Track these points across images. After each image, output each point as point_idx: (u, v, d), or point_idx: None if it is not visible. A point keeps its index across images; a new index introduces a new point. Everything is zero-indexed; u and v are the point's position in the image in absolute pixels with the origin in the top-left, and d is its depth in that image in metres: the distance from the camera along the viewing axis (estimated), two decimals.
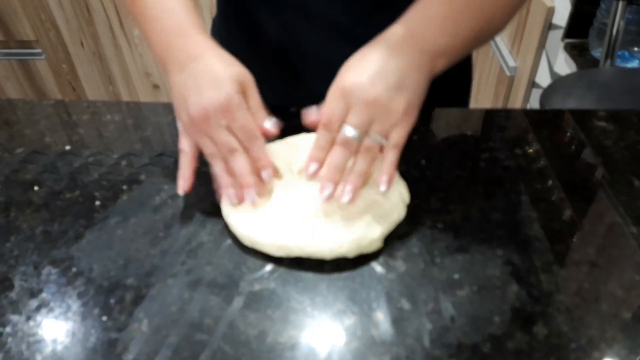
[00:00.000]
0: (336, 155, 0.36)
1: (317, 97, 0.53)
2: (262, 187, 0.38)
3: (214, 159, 0.38)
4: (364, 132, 0.36)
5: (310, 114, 0.38)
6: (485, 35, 0.43)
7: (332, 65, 0.55)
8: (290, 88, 0.49)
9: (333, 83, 0.37)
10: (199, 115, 0.37)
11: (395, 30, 0.39)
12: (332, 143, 0.36)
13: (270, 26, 0.53)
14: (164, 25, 0.41)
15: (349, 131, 0.35)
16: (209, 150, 0.38)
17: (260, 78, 0.57)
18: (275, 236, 0.35)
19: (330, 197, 0.36)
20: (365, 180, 0.37)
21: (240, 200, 0.38)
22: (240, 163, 0.37)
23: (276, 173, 0.40)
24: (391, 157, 0.36)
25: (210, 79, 0.37)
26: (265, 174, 0.38)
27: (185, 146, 0.40)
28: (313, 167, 0.36)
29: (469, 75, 0.62)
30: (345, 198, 0.35)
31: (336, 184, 0.36)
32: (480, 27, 0.41)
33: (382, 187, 0.36)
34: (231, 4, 0.56)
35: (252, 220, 0.37)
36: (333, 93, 0.37)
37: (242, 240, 0.37)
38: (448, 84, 0.56)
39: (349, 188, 0.36)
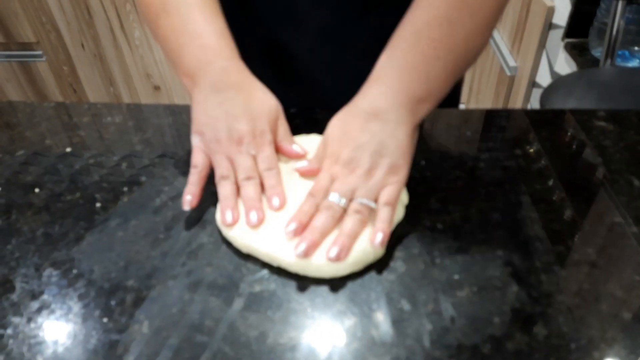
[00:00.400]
0: (319, 217, 0.36)
1: (307, 98, 0.53)
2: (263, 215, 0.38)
3: (225, 180, 0.39)
4: (349, 198, 0.36)
5: (303, 166, 0.40)
6: (465, 65, 0.43)
7: (321, 67, 0.55)
8: (280, 89, 0.50)
9: (320, 152, 0.39)
10: (229, 138, 0.39)
11: (371, 90, 0.40)
12: (317, 208, 0.36)
13: (259, 29, 0.53)
14: (203, 42, 0.42)
15: (334, 197, 0.36)
16: (224, 171, 0.39)
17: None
18: (272, 255, 0.35)
19: (306, 254, 0.34)
20: (352, 242, 0.35)
21: (235, 222, 0.37)
22: (254, 189, 0.38)
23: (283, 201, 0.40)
24: (384, 214, 0.35)
25: (247, 110, 0.40)
26: (276, 201, 0.38)
27: (199, 163, 0.40)
28: (293, 226, 0.35)
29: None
30: (332, 254, 0.34)
31: (314, 244, 0.34)
32: (455, 61, 0.41)
33: (377, 243, 0.34)
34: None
35: (250, 234, 0.36)
36: (322, 166, 0.38)
37: (240, 249, 0.37)
38: None
39: (335, 247, 0.34)
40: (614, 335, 0.31)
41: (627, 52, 1.06)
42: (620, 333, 0.31)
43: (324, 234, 0.35)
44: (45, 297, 0.34)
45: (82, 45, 1.56)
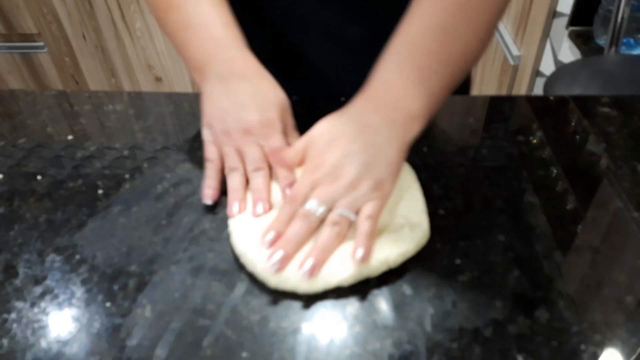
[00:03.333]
0: (293, 226, 0.33)
1: (309, 95, 0.53)
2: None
3: (233, 172, 0.39)
4: (328, 207, 0.34)
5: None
6: (463, 74, 0.41)
7: (323, 64, 0.54)
8: (286, 87, 0.49)
9: (299, 151, 0.37)
10: (238, 129, 0.39)
11: (364, 103, 0.38)
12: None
13: (265, 28, 0.53)
14: (209, 34, 0.42)
15: (311, 204, 0.34)
16: (232, 163, 0.39)
17: None
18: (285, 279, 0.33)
19: (279, 267, 0.32)
20: (327, 256, 0.33)
21: (240, 212, 0.37)
22: (263, 180, 0.38)
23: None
24: (365, 227, 0.33)
25: (255, 99, 0.39)
26: (288, 191, 0.37)
27: (213, 156, 0.40)
28: (270, 235, 0.34)
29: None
30: (305, 268, 0.32)
31: (287, 257, 0.32)
32: (452, 74, 0.39)
33: (357, 259, 0.32)
34: None
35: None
36: (303, 169, 0.36)
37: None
38: None
39: (308, 262, 0.32)
40: (615, 319, 0.31)
41: (632, 40, 1.05)
42: (622, 317, 0.31)
43: (298, 245, 0.33)
44: (48, 282, 0.34)
45: (84, 37, 1.56)
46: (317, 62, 0.55)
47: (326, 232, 0.33)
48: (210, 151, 0.40)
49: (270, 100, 0.40)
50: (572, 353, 0.29)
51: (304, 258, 0.32)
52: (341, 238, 0.34)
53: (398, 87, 0.38)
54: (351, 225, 0.34)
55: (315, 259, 0.32)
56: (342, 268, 0.32)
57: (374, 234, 0.34)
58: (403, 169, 0.40)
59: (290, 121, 0.42)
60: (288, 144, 0.40)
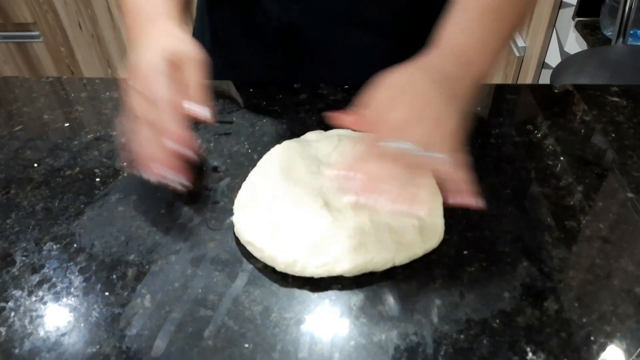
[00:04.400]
0: (379, 165, 0.30)
1: (318, 78, 0.52)
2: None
3: (137, 125, 0.35)
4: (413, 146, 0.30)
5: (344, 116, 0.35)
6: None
7: (332, 48, 0.53)
8: (291, 69, 0.48)
9: (366, 103, 0.33)
10: (132, 72, 0.36)
11: (440, 53, 0.36)
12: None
13: (271, 10, 0.52)
14: (140, 6, 0.41)
15: (395, 143, 0.30)
16: (135, 116, 0.36)
17: (260, 61, 0.55)
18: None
19: (365, 205, 0.30)
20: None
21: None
22: (151, 132, 0.34)
23: None
24: (462, 175, 0.31)
25: (149, 45, 0.37)
26: (167, 142, 0.34)
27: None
28: (349, 175, 0.30)
29: None
30: (386, 205, 0.29)
31: (374, 197, 0.30)
32: (499, 54, 0.39)
33: (479, 202, 0.30)
34: None
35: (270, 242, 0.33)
36: (370, 109, 0.33)
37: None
38: None
39: (393, 197, 0.29)
40: (625, 310, 0.30)
41: (639, 31, 1.03)
42: (632, 308, 0.30)
43: (383, 186, 0.30)
44: (45, 270, 0.33)
45: (80, 26, 1.54)
46: (325, 43, 0.53)
47: (409, 174, 0.30)
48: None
49: (161, 45, 0.37)
50: (581, 344, 0.28)
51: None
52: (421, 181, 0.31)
53: (476, 47, 0.36)
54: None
55: (402, 196, 0.29)
56: (348, 257, 0.32)
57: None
58: None
59: (191, 73, 0.37)
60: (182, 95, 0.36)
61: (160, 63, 0.36)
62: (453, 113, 0.33)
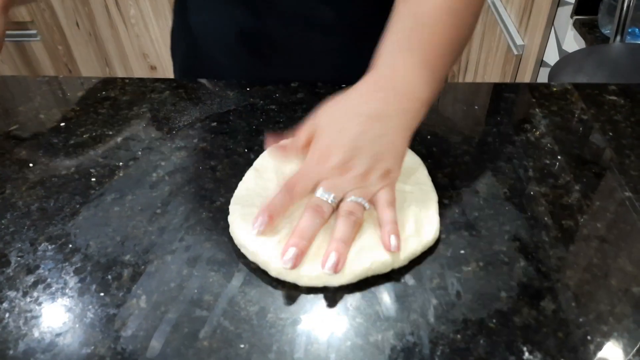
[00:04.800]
0: (305, 220, 0.32)
1: (284, 79, 0.52)
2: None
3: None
4: (339, 198, 0.33)
5: (274, 139, 0.36)
6: (454, 64, 0.40)
7: (300, 51, 0.53)
8: (258, 71, 0.47)
9: (302, 139, 0.35)
10: None
11: (370, 87, 0.35)
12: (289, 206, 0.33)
13: (238, 14, 0.52)
14: None
15: (321, 194, 0.32)
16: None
17: (227, 62, 0.56)
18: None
19: (294, 264, 0.31)
20: (348, 248, 0.32)
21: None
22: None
23: None
24: (390, 215, 0.32)
25: None
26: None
27: None
28: (263, 217, 0.32)
29: None
30: (329, 264, 0.30)
31: (302, 251, 0.31)
32: (454, 60, 0.38)
33: (393, 247, 0.31)
34: None
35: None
36: (308, 157, 0.34)
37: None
38: None
39: (332, 257, 0.30)
40: (623, 309, 0.30)
41: (637, 30, 1.03)
42: (629, 308, 0.30)
43: (311, 239, 0.32)
44: (40, 271, 0.33)
45: (77, 24, 1.53)
46: (293, 47, 0.53)
47: (343, 223, 0.32)
48: None
49: None
50: (578, 344, 0.28)
51: (325, 254, 0.31)
52: (357, 227, 0.32)
53: (406, 73, 0.36)
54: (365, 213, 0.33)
55: (337, 252, 0.31)
56: (344, 271, 0.31)
57: (396, 220, 0.32)
58: (416, 163, 0.39)
59: None
60: None
61: None
62: (392, 144, 0.34)
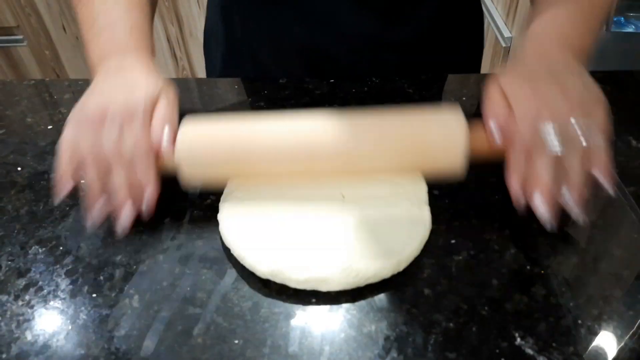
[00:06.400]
0: (547, 170, 0.30)
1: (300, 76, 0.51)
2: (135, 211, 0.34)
3: (89, 168, 0.33)
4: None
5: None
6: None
7: (356, 68, 0.53)
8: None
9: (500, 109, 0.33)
10: (95, 112, 0.34)
11: (546, 47, 0.36)
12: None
13: (295, 30, 0.51)
14: (111, 36, 0.39)
15: (554, 143, 0.30)
16: (88, 158, 0.33)
17: (281, 72, 0.54)
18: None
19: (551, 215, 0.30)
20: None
21: (103, 218, 0.34)
22: (119, 179, 0.33)
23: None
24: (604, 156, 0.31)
25: (126, 85, 0.35)
26: (148, 194, 0.33)
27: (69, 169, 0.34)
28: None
29: (482, 38, 0.60)
30: (577, 211, 0.30)
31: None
32: (598, 30, 0.40)
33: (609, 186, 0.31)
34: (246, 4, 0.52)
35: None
36: (522, 118, 0.32)
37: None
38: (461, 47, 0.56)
39: (575, 197, 0.30)
40: (613, 293, 0.30)
41: (622, 19, 1.04)
42: (619, 291, 0.30)
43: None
44: (32, 274, 0.33)
45: (64, 28, 1.51)
46: (349, 64, 0.53)
47: (575, 160, 0.30)
48: (63, 160, 0.34)
49: (139, 87, 0.35)
50: (569, 328, 0.28)
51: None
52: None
53: (574, 27, 0.37)
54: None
55: (579, 192, 0.30)
56: (334, 279, 0.30)
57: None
58: None
59: (165, 109, 0.35)
60: (155, 133, 0.34)
61: (143, 105, 0.34)
62: (589, 89, 0.34)
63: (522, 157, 0.32)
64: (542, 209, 0.31)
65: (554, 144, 0.31)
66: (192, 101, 0.50)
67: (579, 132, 0.31)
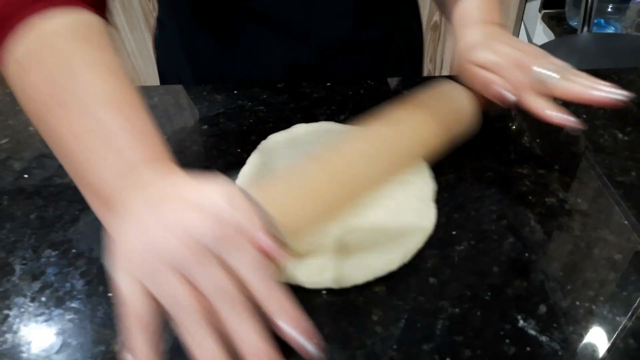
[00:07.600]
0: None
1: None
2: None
3: (185, 316, 0.22)
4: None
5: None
6: None
7: (327, 70, 0.55)
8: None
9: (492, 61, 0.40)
10: (174, 247, 0.22)
11: (480, 23, 0.44)
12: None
13: (274, 48, 0.52)
14: (117, 147, 0.27)
15: (550, 74, 0.38)
16: (176, 302, 0.22)
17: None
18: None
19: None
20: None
21: None
22: (246, 317, 0.22)
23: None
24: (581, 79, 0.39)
25: (187, 197, 0.24)
26: (292, 330, 0.22)
27: (139, 304, 0.22)
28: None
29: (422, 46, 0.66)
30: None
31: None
32: None
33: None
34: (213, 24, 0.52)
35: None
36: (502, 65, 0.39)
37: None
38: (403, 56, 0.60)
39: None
40: (607, 275, 0.32)
41: (602, 20, 1.08)
42: (613, 273, 0.32)
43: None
44: (46, 277, 0.33)
45: None
46: (329, 74, 0.54)
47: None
48: (129, 300, 0.23)
49: (211, 188, 0.25)
50: (568, 309, 0.30)
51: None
52: None
53: (488, 9, 0.46)
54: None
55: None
56: (339, 277, 0.31)
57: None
58: None
59: (247, 208, 0.24)
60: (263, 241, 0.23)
61: (242, 221, 0.23)
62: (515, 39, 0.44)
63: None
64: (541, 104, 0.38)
65: (550, 74, 0.38)
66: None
67: (556, 63, 0.39)
